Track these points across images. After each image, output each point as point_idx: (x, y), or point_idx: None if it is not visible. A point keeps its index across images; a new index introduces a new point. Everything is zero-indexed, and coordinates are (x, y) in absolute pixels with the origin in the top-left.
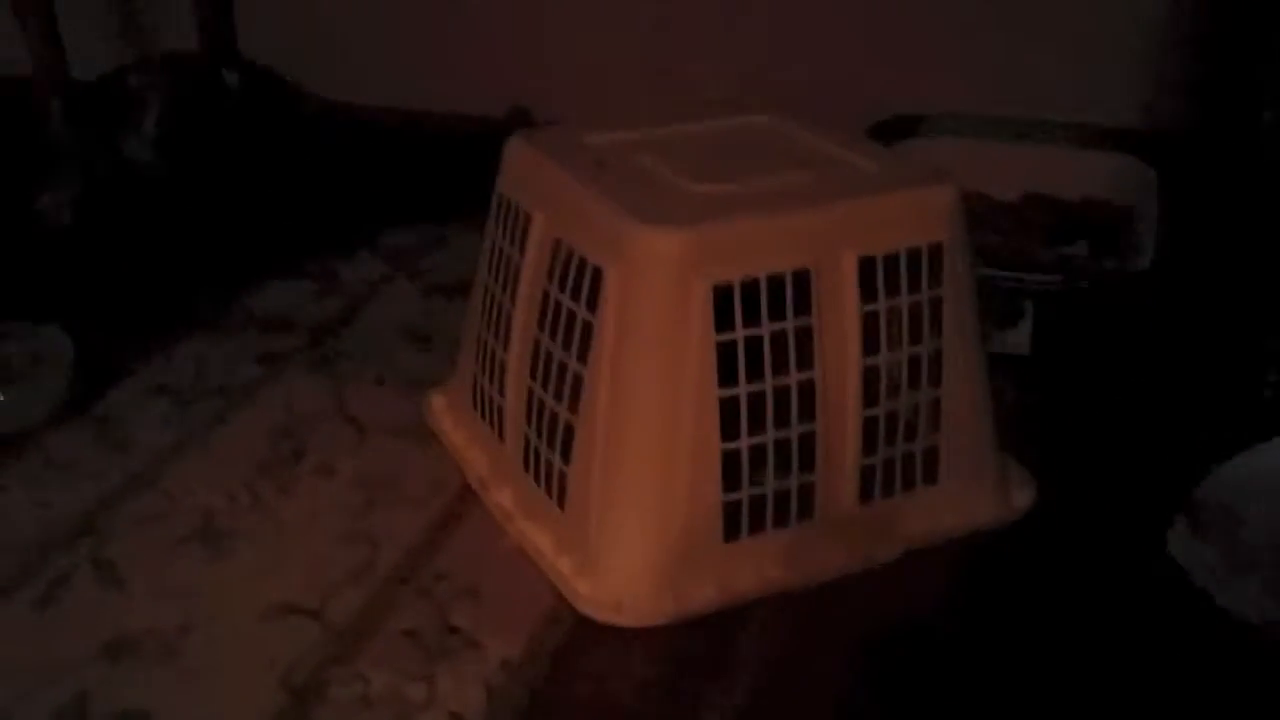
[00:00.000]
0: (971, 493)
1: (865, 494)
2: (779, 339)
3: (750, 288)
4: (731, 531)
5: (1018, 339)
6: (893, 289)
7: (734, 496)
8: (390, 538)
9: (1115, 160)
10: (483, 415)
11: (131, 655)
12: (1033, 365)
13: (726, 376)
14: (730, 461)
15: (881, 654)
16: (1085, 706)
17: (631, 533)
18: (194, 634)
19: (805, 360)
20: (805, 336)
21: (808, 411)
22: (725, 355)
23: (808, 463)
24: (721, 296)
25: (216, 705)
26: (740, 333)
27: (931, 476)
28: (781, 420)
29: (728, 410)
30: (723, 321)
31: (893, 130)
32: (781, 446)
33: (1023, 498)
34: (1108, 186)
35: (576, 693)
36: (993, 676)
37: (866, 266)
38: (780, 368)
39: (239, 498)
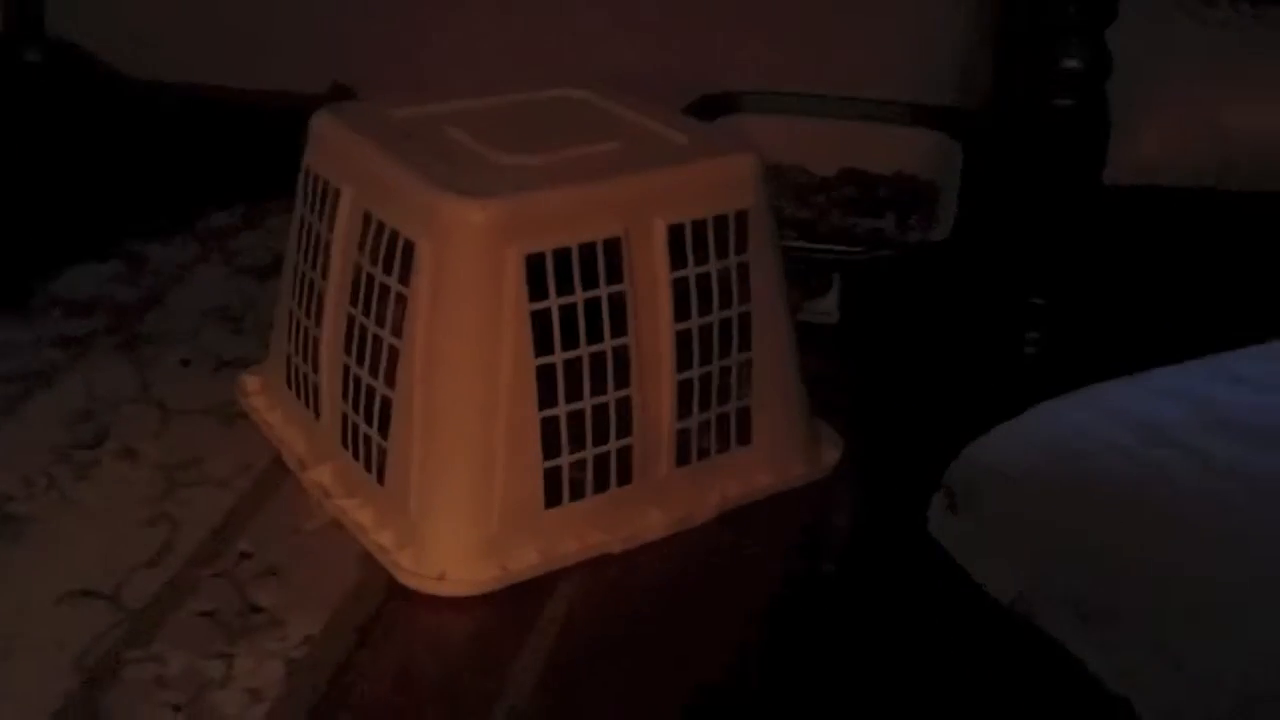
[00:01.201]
0: (784, 452)
1: (682, 457)
2: (593, 307)
3: (562, 256)
4: (553, 498)
5: (826, 307)
6: (701, 256)
7: (554, 463)
8: (192, 520)
9: (925, 137)
10: (298, 394)
11: None
12: (840, 332)
13: (543, 345)
14: (549, 429)
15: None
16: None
17: (452, 503)
18: None
19: (619, 327)
20: (618, 303)
21: (623, 377)
22: (541, 324)
23: (625, 428)
24: (534, 266)
25: (8, 687)
26: (554, 301)
27: (745, 437)
28: (598, 387)
29: (545, 378)
30: (536, 291)
31: (714, 107)
32: (599, 412)
33: (831, 455)
34: (917, 162)
35: (381, 665)
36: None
37: (676, 234)
38: (595, 335)
39: (35, 483)
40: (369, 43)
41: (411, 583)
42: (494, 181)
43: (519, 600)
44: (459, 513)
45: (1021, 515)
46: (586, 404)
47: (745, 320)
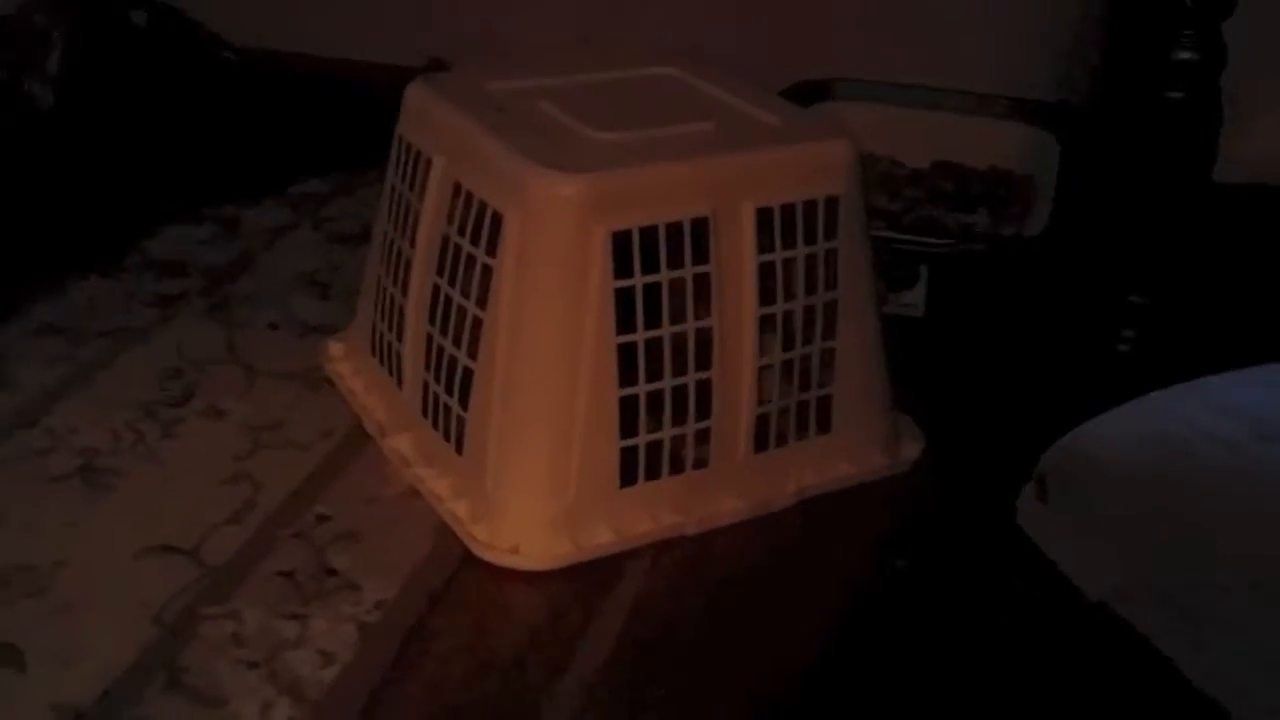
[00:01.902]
0: (863, 443)
1: (760, 442)
2: (677, 286)
3: (649, 235)
4: (628, 477)
5: (912, 300)
6: (789, 240)
7: (631, 442)
8: (273, 481)
9: (1021, 131)
10: (381, 361)
11: (3, 588)
12: (926, 326)
13: (625, 323)
14: (628, 408)
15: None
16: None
17: (528, 477)
18: (67, 570)
19: (703, 308)
20: (703, 284)
21: (704, 360)
22: (624, 302)
23: (704, 410)
24: (620, 243)
25: (86, 639)
26: (639, 280)
27: (825, 426)
28: (678, 368)
29: (626, 357)
30: (621, 268)
31: (805, 94)
32: (678, 393)
33: (912, 450)
34: (1013, 157)
35: (452, 633)
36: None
37: (764, 217)
38: (678, 315)
39: (122, 438)
40: (464, 18)
41: (486, 555)
42: (585, 157)
43: (591, 577)
44: (535, 487)
45: (1119, 507)
46: (666, 384)
47: (831, 308)
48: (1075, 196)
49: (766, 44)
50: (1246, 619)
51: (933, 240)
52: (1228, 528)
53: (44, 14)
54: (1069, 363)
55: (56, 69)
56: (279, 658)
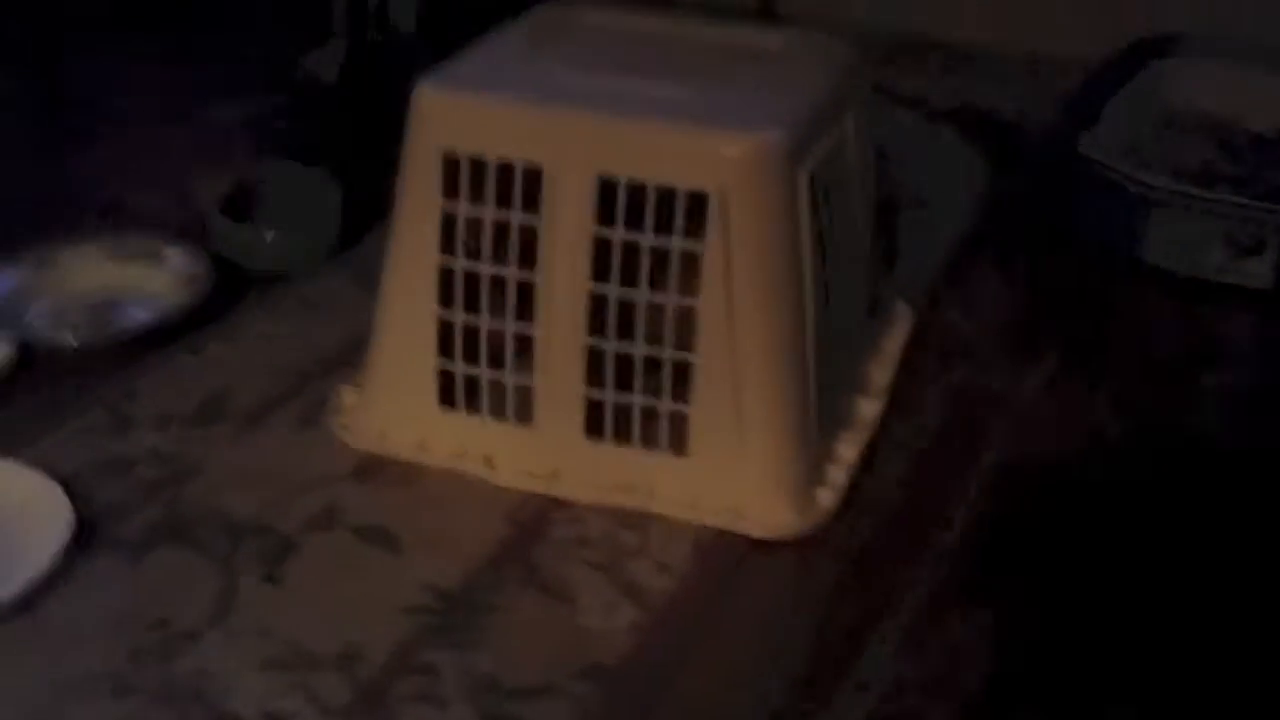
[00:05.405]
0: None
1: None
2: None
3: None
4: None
5: (1259, 270)
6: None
7: None
8: None
9: None
10: (471, 408)
11: (378, 476)
12: (1274, 298)
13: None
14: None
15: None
16: None
17: (788, 446)
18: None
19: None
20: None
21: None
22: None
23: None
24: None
25: (449, 527)
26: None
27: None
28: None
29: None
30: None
31: (1147, 50)
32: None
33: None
34: None
35: (784, 558)
36: None
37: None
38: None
39: None
40: None
41: (781, 533)
42: (752, 114)
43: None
44: (790, 457)
45: None
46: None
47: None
48: None
49: None
50: None
51: None
52: None
53: None
54: None
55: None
56: (620, 564)
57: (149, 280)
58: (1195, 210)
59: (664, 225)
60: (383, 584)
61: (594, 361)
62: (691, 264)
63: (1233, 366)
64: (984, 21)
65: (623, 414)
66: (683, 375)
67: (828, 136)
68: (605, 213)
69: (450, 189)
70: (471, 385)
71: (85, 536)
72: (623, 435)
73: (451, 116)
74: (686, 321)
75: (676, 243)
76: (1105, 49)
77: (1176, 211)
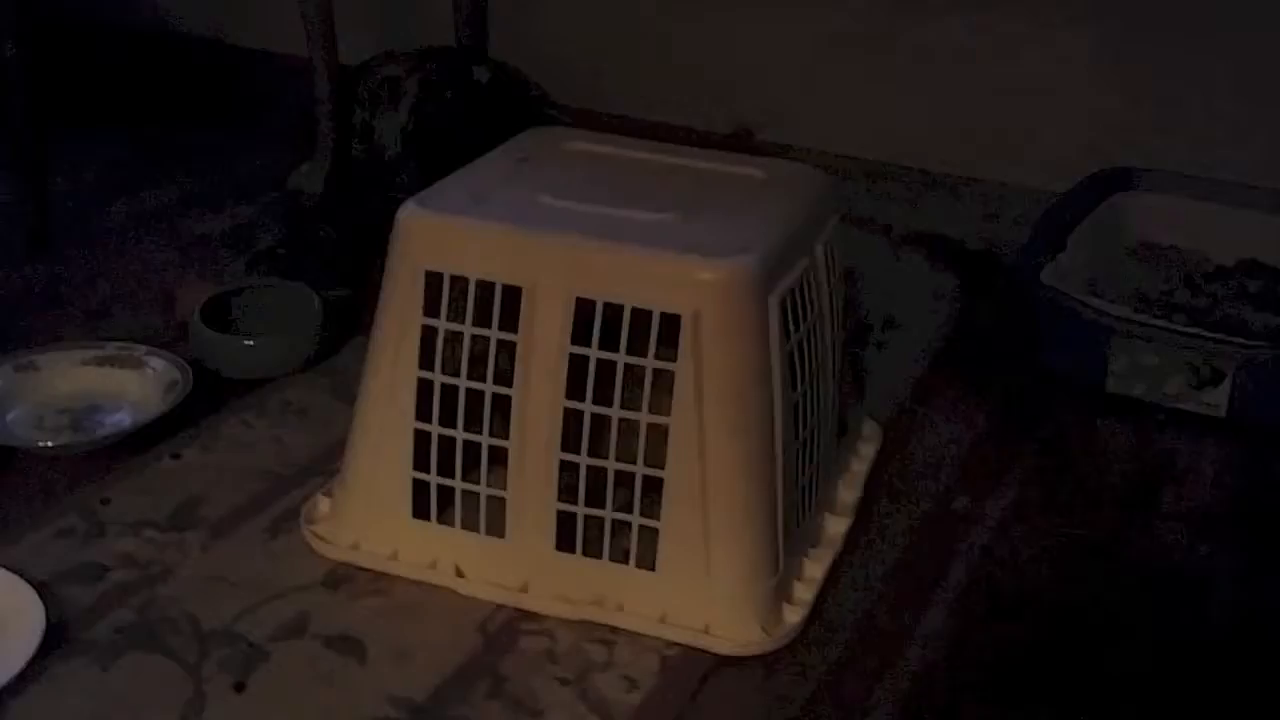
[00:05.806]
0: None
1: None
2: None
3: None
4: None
5: (1215, 400)
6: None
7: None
8: None
9: None
10: (439, 520)
11: (349, 585)
12: (1227, 427)
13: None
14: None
15: None
16: None
17: (751, 564)
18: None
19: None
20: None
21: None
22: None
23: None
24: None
25: (419, 638)
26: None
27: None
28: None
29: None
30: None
31: (1110, 182)
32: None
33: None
34: None
35: (752, 675)
36: None
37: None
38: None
39: None
40: (775, 90)
41: (749, 651)
42: (725, 240)
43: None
44: (757, 574)
45: None
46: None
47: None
48: None
49: (1078, 127)
50: None
51: (1241, 340)
52: None
53: (399, 62)
54: None
55: (407, 116)
56: (588, 678)
57: (129, 385)
58: (1155, 340)
59: (638, 345)
60: (351, 694)
61: (566, 475)
62: (664, 382)
63: (1191, 491)
64: (953, 152)
65: (593, 528)
66: (653, 491)
67: (800, 262)
68: (581, 331)
69: (431, 306)
70: (445, 496)
71: (57, 639)
72: (593, 549)
73: (434, 237)
74: (658, 438)
75: (650, 362)
76: (1072, 181)
77: (1137, 341)
